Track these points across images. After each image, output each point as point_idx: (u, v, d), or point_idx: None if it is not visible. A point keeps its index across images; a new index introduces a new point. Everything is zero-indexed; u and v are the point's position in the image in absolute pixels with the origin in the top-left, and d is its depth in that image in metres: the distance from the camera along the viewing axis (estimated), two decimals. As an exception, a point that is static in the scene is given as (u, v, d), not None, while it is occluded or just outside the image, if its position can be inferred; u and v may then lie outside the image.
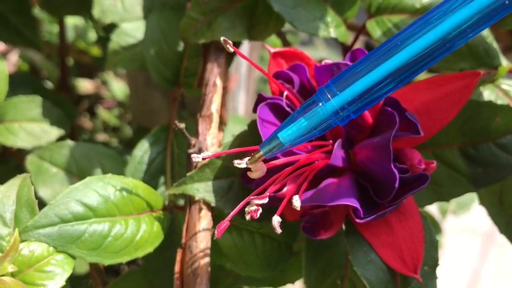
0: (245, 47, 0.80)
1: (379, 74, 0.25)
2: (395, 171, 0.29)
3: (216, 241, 0.36)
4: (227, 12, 0.40)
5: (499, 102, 0.38)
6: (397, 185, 0.29)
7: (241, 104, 0.86)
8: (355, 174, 0.33)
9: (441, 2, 0.25)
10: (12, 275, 0.30)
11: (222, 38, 0.29)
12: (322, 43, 1.31)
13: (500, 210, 0.38)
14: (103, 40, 0.78)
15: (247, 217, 0.26)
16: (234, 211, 0.28)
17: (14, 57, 1.06)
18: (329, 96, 0.26)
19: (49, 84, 0.89)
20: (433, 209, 0.80)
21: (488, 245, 1.56)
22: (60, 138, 0.51)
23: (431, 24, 0.24)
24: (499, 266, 1.50)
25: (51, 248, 0.31)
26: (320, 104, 0.26)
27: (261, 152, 0.27)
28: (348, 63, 0.32)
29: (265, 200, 0.27)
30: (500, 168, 0.35)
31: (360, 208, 0.30)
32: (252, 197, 0.27)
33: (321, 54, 1.25)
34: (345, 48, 0.42)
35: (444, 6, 0.24)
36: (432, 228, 0.34)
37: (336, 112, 0.26)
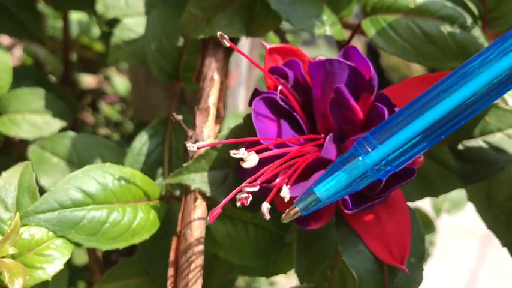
0: (246, 45, 0.81)
1: (422, 125, 0.23)
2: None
3: (210, 230, 0.37)
4: (226, 9, 0.41)
5: (489, 101, 0.39)
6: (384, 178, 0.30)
7: (241, 101, 0.87)
8: (345, 167, 0.34)
9: (483, 49, 0.24)
10: (13, 257, 0.31)
11: (218, 33, 0.30)
12: (324, 43, 1.32)
13: (487, 206, 0.39)
14: (106, 36, 0.79)
15: (238, 204, 0.27)
16: (226, 198, 0.29)
17: (18, 51, 1.07)
18: (368, 149, 0.24)
19: (52, 79, 0.90)
20: (427, 208, 0.81)
21: (486, 247, 1.57)
22: (62, 131, 0.52)
23: (475, 72, 0.23)
24: (497, 268, 1.51)
25: (50, 233, 0.32)
26: (360, 158, 0.24)
27: (297, 208, 0.25)
28: (341, 60, 0.32)
29: (256, 188, 0.28)
30: (489, 165, 0.36)
31: (348, 199, 0.31)
32: (243, 185, 0.28)
33: (323, 54, 1.26)
34: (341, 47, 0.43)
35: (489, 52, 0.23)
36: (420, 221, 0.35)
37: (376, 164, 0.24)
